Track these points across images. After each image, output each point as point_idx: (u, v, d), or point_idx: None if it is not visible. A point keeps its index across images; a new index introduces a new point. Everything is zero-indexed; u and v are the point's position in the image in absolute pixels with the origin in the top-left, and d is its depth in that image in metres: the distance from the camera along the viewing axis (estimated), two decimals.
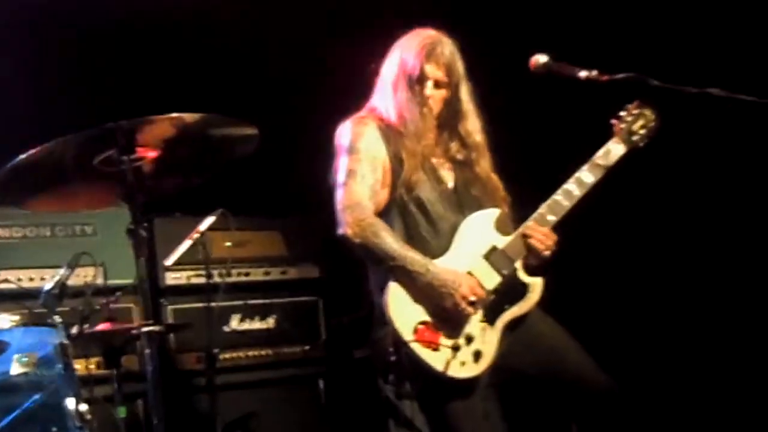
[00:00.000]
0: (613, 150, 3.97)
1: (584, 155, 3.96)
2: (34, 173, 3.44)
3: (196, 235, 4.34)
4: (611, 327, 5.31)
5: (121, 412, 3.73)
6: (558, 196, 3.90)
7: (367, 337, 3.95)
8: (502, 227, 3.92)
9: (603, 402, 3.84)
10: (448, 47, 3.93)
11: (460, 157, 4.00)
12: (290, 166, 5.50)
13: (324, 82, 5.46)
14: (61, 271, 3.52)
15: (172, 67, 5.39)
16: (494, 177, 4.03)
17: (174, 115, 3.48)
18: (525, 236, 3.85)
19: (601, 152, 3.96)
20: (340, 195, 3.83)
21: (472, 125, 4.00)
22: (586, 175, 3.92)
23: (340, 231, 3.81)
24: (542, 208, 3.89)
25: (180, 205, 4.98)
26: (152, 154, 3.55)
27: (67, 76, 5.06)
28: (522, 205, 4.00)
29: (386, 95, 3.95)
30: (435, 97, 3.93)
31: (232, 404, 4.94)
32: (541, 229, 3.85)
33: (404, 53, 3.93)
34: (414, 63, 3.89)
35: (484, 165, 4.01)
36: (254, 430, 4.93)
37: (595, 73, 3.68)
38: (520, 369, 3.87)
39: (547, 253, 3.86)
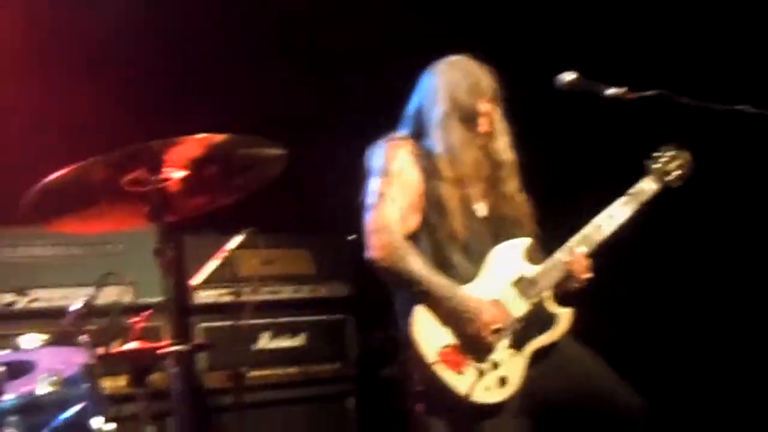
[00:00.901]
0: (647, 188, 4.01)
1: (607, 174, 3.96)
2: (63, 194, 3.45)
3: (223, 254, 4.35)
4: (642, 348, 5.27)
5: (150, 431, 3.73)
6: (588, 230, 3.92)
7: (396, 355, 3.95)
8: (531, 257, 3.92)
9: (637, 425, 3.81)
10: (491, 78, 3.95)
11: (489, 175, 3.99)
12: (321, 184, 5.51)
13: (354, 100, 5.48)
14: (89, 291, 3.54)
15: (200, 86, 5.42)
16: (522, 196, 4.03)
17: (203, 135, 3.49)
18: (565, 263, 3.85)
19: (634, 189, 4.00)
20: (369, 218, 3.84)
21: (503, 144, 4.00)
22: (618, 211, 3.96)
23: (368, 254, 3.81)
24: (572, 241, 3.91)
25: (211, 223, 5.00)
26: (180, 174, 3.56)
27: (96, 97, 5.09)
28: (546, 226, 4.00)
29: (433, 129, 3.92)
30: (484, 131, 3.94)
31: (262, 423, 4.95)
32: (582, 259, 3.86)
33: (451, 88, 3.91)
34: (467, 99, 3.90)
35: (513, 184, 4.01)
36: None
37: (622, 90, 3.67)
38: (551, 395, 3.85)
39: (585, 280, 3.87)
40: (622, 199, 3.98)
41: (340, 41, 5.54)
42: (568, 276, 3.87)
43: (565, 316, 3.89)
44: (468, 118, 3.91)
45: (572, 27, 5.35)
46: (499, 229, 3.95)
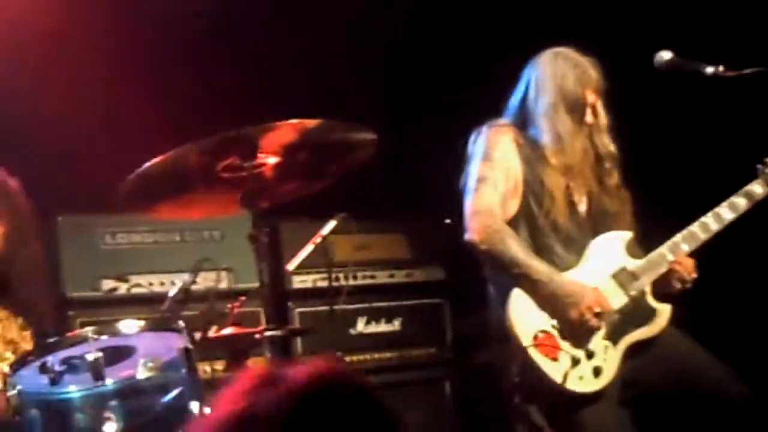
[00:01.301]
0: (755, 191, 3.96)
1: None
2: (159, 181, 3.50)
3: (318, 240, 4.37)
4: (742, 333, 5.14)
5: None
6: (695, 228, 3.89)
7: (491, 340, 3.93)
8: (632, 251, 3.90)
9: (741, 411, 3.76)
10: (596, 69, 3.92)
11: (593, 168, 3.94)
12: (417, 168, 5.50)
13: (452, 85, 5.45)
14: (185, 277, 3.59)
15: (290, 72, 5.44)
16: (624, 192, 3.99)
17: (296, 120, 3.50)
18: (670, 262, 3.81)
19: (742, 192, 3.96)
20: (469, 200, 3.83)
21: (606, 136, 3.96)
22: (725, 212, 3.92)
23: (467, 236, 3.79)
24: (677, 237, 3.87)
25: (308, 209, 5.03)
26: (273, 160, 3.58)
27: (191, 83, 5.15)
28: (645, 223, 3.96)
29: (539, 118, 3.90)
30: (591, 122, 3.92)
31: None
32: (687, 260, 3.84)
33: (559, 77, 3.88)
34: (574, 89, 3.87)
35: (615, 178, 3.97)
36: None
37: (721, 68, 3.60)
38: (651, 382, 3.82)
39: (690, 281, 3.84)
40: (731, 200, 3.94)
41: (437, 24, 5.52)
42: (672, 275, 3.83)
43: (664, 312, 3.84)
44: (575, 108, 3.88)
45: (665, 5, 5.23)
46: (598, 224, 3.92)
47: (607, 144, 3.95)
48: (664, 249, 3.85)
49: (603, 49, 4.00)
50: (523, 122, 3.95)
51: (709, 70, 3.66)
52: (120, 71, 5.04)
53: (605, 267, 3.82)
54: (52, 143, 4.88)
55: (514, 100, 4.00)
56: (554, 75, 3.89)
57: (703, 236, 3.88)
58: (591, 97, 3.91)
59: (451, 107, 4.96)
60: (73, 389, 3.15)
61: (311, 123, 3.54)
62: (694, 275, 3.86)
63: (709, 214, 3.90)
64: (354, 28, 5.37)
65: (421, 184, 5.23)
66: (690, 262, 3.86)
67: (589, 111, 3.91)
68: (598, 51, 3.98)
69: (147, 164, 3.43)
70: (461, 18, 5.50)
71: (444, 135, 4.18)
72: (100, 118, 5.03)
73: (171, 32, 5.06)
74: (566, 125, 3.86)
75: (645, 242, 3.94)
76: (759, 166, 4.01)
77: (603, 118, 3.96)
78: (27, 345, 3.60)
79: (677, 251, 3.84)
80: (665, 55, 3.82)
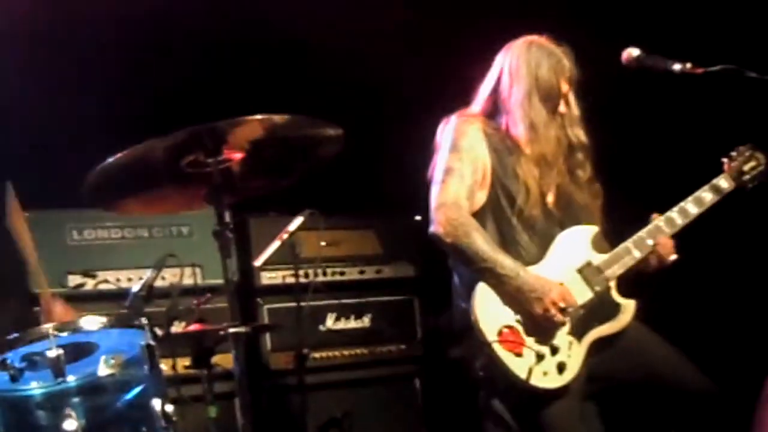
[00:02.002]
0: (721, 185, 3.99)
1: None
2: (122, 176, 3.47)
3: (285, 236, 4.36)
4: (707, 330, 5.16)
5: (212, 411, 3.75)
6: (660, 223, 3.89)
7: (461, 335, 3.92)
8: (598, 245, 3.89)
9: (704, 405, 3.78)
10: (570, 58, 3.92)
11: (566, 161, 3.93)
12: (386, 163, 5.48)
13: (419, 79, 5.43)
14: (148, 273, 3.57)
15: (255, 68, 5.41)
16: (595, 185, 4.00)
17: (262, 116, 3.48)
18: (653, 244, 3.83)
19: (708, 186, 3.98)
20: (435, 192, 3.81)
21: (579, 127, 3.96)
22: (691, 207, 3.94)
23: (432, 229, 3.78)
24: (643, 232, 3.88)
25: (275, 204, 5.01)
26: (238, 155, 3.56)
27: (154, 78, 5.12)
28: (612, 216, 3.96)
29: (513, 107, 3.88)
30: (564, 112, 3.91)
31: (328, 404, 4.96)
32: (668, 240, 3.86)
33: (534, 66, 3.87)
34: (549, 78, 3.86)
35: (587, 169, 3.97)
36: (349, 429, 4.92)
37: (689, 65, 3.61)
38: (616, 376, 3.82)
39: (670, 261, 3.86)
40: (697, 195, 3.96)
41: (402, 16, 5.50)
42: (651, 255, 3.83)
43: (628, 307, 3.84)
44: (549, 97, 3.87)
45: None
46: (566, 216, 3.91)
47: (580, 135, 3.95)
48: (629, 243, 3.86)
49: (574, 44, 4.00)
50: (493, 111, 3.93)
51: (677, 67, 3.66)
52: (85, 64, 5.00)
53: (570, 261, 3.82)
54: (18, 138, 4.85)
55: (485, 89, 3.97)
56: (528, 63, 3.87)
57: (668, 231, 3.89)
58: (564, 87, 3.91)
59: (422, 101, 4.94)
60: (34, 386, 3.09)
61: (278, 118, 3.52)
62: (674, 256, 3.87)
63: (675, 209, 3.92)
64: (322, 22, 5.35)
65: (392, 180, 5.21)
66: (670, 243, 3.88)
67: (562, 101, 3.90)
68: (570, 45, 3.97)
69: (110, 159, 3.39)
70: (430, 8, 5.48)
71: (414, 130, 4.16)
72: (66, 112, 4.99)
73: (134, 26, 5.03)
74: (540, 114, 3.84)
75: (614, 236, 3.95)
76: (724, 159, 4.04)
77: (575, 109, 3.96)
78: None
79: (642, 246, 3.84)
80: (634, 51, 3.82)
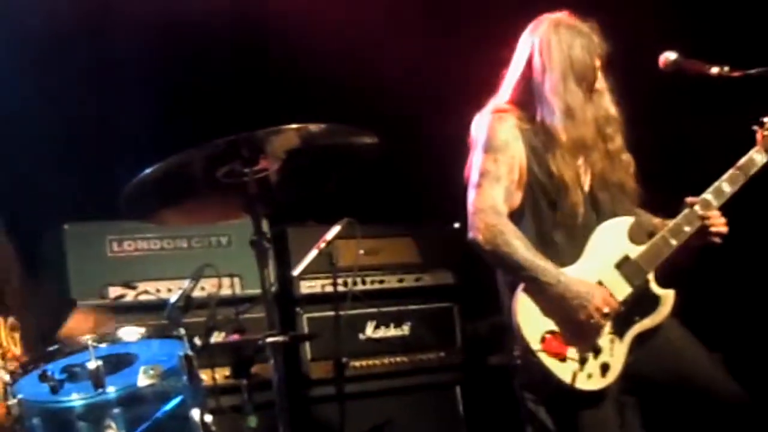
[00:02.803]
0: (756, 159, 3.85)
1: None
2: (160, 187, 3.48)
3: (323, 245, 4.36)
4: (741, 337, 5.10)
5: (251, 422, 3.75)
6: (696, 207, 3.79)
7: (502, 343, 3.90)
8: (635, 236, 3.81)
9: (733, 411, 3.71)
10: (599, 33, 3.80)
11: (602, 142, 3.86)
12: (424, 171, 5.48)
13: (456, 85, 5.41)
14: (185, 284, 3.58)
15: (290, 77, 5.42)
16: (627, 156, 3.88)
17: (299, 125, 3.47)
18: (702, 218, 3.74)
19: (742, 161, 3.84)
20: (472, 197, 3.75)
21: (608, 100, 3.86)
22: (726, 186, 3.82)
23: (471, 235, 3.73)
24: (679, 219, 3.79)
25: (313, 214, 5.03)
26: (275, 165, 3.56)
27: (191, 89, 5.15)
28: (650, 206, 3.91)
29: (548, 93, 3.75)
30: (600, 88, 3.83)
31: (368, 413, 4.96)
32: (717, 215, 3.76)
33: (565, 47, 3.74)
34: (584, 58, 3.75)
35: (619, 141, 3.86)
36: None
37: (726, 68, 3.57)
38: (648, 376, 3.76)
39: (721, 234, 3.77)
40: (730, 173, 3.82)
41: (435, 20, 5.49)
42: (703, 229, 3.76)
43: (668, 297, 3.78)
44: (585, 77, 3.76)
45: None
46: (603, 199, 3.81)
47: (609, 107, 3.85)
48: (665, 233, 3.77)
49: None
50: (525, 100, 3.81)
51: (714, 70, 3.62)
52: (125, 78, 5.04)
53: (608, 257, 3.75)
54: (58, 150, 4.89)
55: (513, 76, 3.85)
56: (560, 46, 3.75)
57: (704, 213, 3.78)
58: (597, 63, 3.81)
59: (459, 106, 4.92)
60: (75, 397, 3.13)
61: (314, 127, 3.51)
62: (725, 229, 3.78)
63: (710, 190, 3.80)
64: (359, 31, 5.35)
65: (429, 188, 5.20)
66: (720, 217, 3.78)
67: (598, 77, 3.81)
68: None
69: (148, 170, 3.41)
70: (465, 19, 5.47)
71: (451, 137, 4.13)
72: (105, 125, 5.03)
73: (172, 36, 5.05)
74: (577, 97, 3.74)
75: (649, 205, 3.89)
76: (756, 128, 3.88)
77: (603, 82, 3.86)
78: (16, 348, 3.58)
79: (680, 234, 3.77)
80: (671, 55, 3.79)
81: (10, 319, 3.70)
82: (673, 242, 3.77)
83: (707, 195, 3.80)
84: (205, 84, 5.18)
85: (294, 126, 3.46)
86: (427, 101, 5.46)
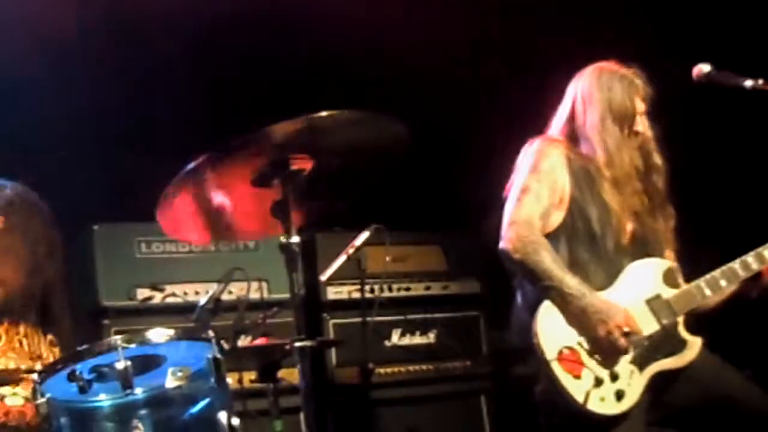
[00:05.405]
0: None
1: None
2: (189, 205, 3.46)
3: (351, 251, 4.36)
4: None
5: (278, 426, 3.76)
6: (735, 265, 3.83)
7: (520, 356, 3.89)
8: (670, 280, 3.84)
9: None
10: (642, 77, 3.90)
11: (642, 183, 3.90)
12: (453, 181, 5.47)
13: (487, 97, 5.42)
14: (215, 287, 3.58)
15: (330, 80, 5.44)
16: (669, 205, 3.95)
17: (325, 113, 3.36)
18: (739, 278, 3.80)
19: None
20: (509, 209, 3.80)
21: (653, 147, 3.93)
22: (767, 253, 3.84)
23: (501, 245, 3.76)
24: (717, 273, 3.82)
25: (342, 219, 5.01)
26: (306, 165, 3.51)
27: (225, 91, 5.16)
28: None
29: (589, 131, 3.86)
30: (642, 131, 3.89)
31: (393, 420, 4.95)
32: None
33: (606, 89, 3.86)
34: (623, 99, 3.85)
35: (662, 191, 3.93)
36: None
37: (761, 81, 3.55)
38: (682, 403, 3.75)
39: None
40: None
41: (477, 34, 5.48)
42: (755, 286, 3.83)
43: (695, 344, 3.78)
44: (625, 117, 3.85)
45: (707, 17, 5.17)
46: (640, 244, 3.86)
47: (655, 156, 3.91)
48: (701, 282, 3.80)
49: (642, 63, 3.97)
50: (572, 137, 3.92)
51: (749, 83, 3.60)
52: (158, 79, 5.06)
53: (640, 291, 3.77)
54: (87, 151, 4.91)
55: (561, 116, 3.97)
56: (601, 88, 3.87)
57: (743, 274, 3.82)
58: (640, 106, 3.89)
59: (493, 120, 4.92)
60: (103, 398, 3.12)
61: (340, 114, 3.41)
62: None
63: (752, 254, 3.83)
64: (403, 33, 5.35)
65: (459, 196, 5.19)
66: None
67: (638, 120, 3.88)
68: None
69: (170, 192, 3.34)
70: (512, 34, 5.46)
71: (483, 147, 4.13)
72: (136, 127, 5.05)
73: (204, 32, 5.06)
74: (614, 135, 3.82)
75: (686, 261, 3.90)
76: None
77: (649, 130, 3.92)
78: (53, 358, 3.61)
79: (715, 286, 3.80)
80: (704, 68, 3.78)
81: (49, 336, 3.73)
82: (708, 292, 3.80)
83: (749, 257, 3.83)
84: (237, 84, 5.18)
85: (321, 114, 3.35)
86: (465, 115, 5.45)
